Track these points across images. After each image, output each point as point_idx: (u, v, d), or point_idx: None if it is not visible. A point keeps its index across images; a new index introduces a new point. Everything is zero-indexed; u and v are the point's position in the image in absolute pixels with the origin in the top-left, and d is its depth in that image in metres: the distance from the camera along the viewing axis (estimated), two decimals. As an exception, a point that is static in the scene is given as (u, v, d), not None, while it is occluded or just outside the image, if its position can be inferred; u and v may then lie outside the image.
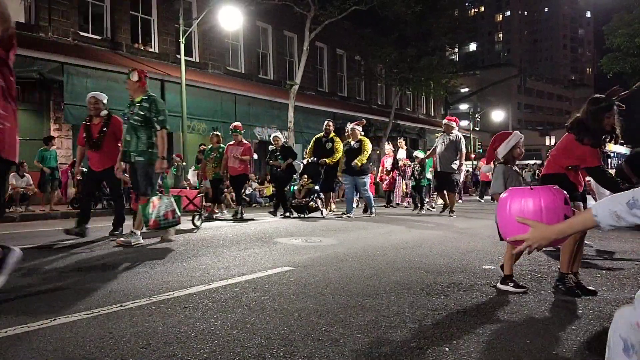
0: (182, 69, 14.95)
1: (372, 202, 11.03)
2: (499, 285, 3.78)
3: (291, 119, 18.57)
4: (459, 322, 2.94)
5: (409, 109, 33.71)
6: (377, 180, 16.42)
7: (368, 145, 10.59)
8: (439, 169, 10.91)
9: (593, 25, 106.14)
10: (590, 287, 3.67)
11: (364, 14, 20.71)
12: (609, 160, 33.15)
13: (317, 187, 10.76)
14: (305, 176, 10.85)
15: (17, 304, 3.30)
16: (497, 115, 46.92)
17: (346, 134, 11.15)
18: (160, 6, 18.08)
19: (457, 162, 10.82)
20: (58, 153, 13.06)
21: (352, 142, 10.64)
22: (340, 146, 10.81)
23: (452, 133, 10.91)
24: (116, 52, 16.37)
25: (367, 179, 10.81)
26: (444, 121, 11.37)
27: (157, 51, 18.00)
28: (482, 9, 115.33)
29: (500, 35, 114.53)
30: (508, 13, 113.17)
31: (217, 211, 10.80)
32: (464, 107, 47.31)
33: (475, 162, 29.78)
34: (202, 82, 17.24)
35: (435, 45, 25.89)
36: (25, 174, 12.06)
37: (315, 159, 10.97)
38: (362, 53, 27.49)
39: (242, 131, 10.89)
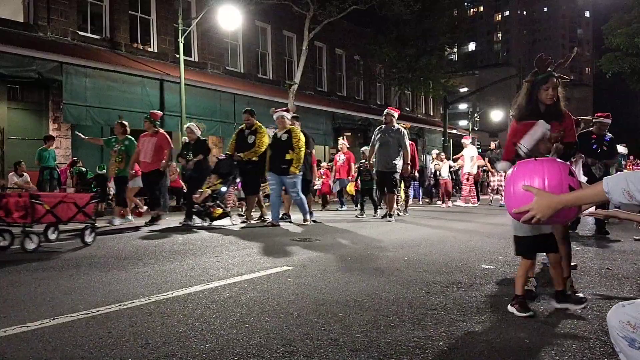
0: (181, 69, 14.93)
1: (306, 206, 8.81)
2: (508, 306, 3.21)
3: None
4: (458, 321, 2.94)
5: (408, 109, 33.68)
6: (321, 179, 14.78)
7: (300, 137, 8.50)
8: (377, 168, 9.68)
9: (592, 25, 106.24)
10: (579, 295, 3.33)
11: (363, 14, 20.70)
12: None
13: (223, 189, 8.85)
14: (215, 176, 8.94)
15: (16, 304, 3.29)
16: (496, 115, 46.87)
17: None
18: (159, 6, 18.05)
19: (400, 159, 9.50)
20: (57, 153, 13.05)
21: (279, 133, 8.57)
22: (263, 139, 8.94)
23: (393, 125, 9.59)
24: (115, 51, 16.34)
25: (298, 180, 8.61)
26: (386, 111, 9.90)
27: (156, 51, 17.97)
28: (481, 8, 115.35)
29: (499, 35, 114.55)
30: (507, 13, 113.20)
31: (120, 218, 9.01)
32: (463, 106, 47.36)
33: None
34: (201, 82, 17.22)
35: (435, 45, 25.90)
36: (24, 173, 12.05)
37: (229, 154, 9.18)
38: (361, 53, 27.48)
39: (158, 122, 9.26)
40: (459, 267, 4.64)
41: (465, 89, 47.73)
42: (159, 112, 9.55)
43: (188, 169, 9.03)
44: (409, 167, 9.93)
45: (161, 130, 9.18)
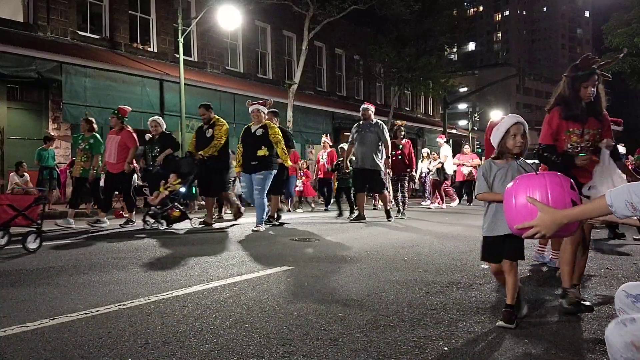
0: (180, 69, 14.93)
1: (265, 211, 7.96)
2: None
3: (290, 119, 18.54)
4: (457, 321, 2.94)
5: (407, 109, 33.70)
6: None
7: (277, 132, 7.82)
8: (358, 166, 9.11)
9: (592, 24, 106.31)
10: (586, 303, 3.20)
11: (362, 14, 20.69)
12: None
13: (182, 190, 8.07)
14: (174, 175, 8.02)
15: (16, 304, 3.29)
16: (496, 115, 46.86)
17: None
18: (159, 6, 18.05)
19: (381, 156, 9.05)
20: (56, 152, 13.03)
21: (254, 128, 7.84)
22: (222, 131, 8.26)
23: (371, 120, 9.13)
24: (115, 51, 16.34)
25: (268, 178, 7.79)
26: (363, 106, 9.37)
27: (155, 50, 17.97)
28: (481, 8, 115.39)
29: (499, 34, 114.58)
30: (507, 13, 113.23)
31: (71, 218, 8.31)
32: (462, 106, 47.32)
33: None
34: (201, 82, 17.22)
35: (434, 44, 25.89)
36: (25, 174, 12.04)
37: (190, 153, 8.48)
38: (361, 52, 27.49)
39: (126, 118, 8.68)
40: (458, 267, 4.64)
41: (465, 89, 47.74)
42: (127, 107, 8.85)
43: (158, 166, 8.26)
44: (409, 167, 9.66)
45: (128, 128, 8.60)
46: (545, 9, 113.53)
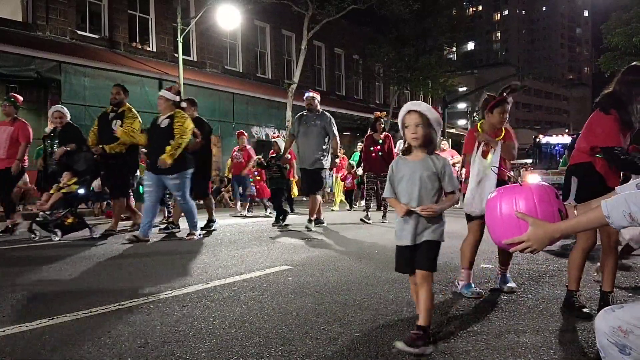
0: (179, 68, 14.93)
1: (195, 215, 6.72)
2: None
3: (289, 118, 18.53)
4: (456, 320, 2.94)
5: (407, 108, 33.74)
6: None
7: (185, 123, 6.45)
8: (300, 165, 8.01)
9: (591, 24, 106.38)
10: (585, 310, 3.12)
11: (362, 13, 20.70)
12: None
13: (80, 191, 6.63)
14: (68, 174, 6.64)
15: (15, 304, 3.29)
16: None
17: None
18: (158, 5, 18.04)
19: (327, 152, 7.81)
20: (56, 152, 13.02)
21: (160, 119, 6.56)
22: (133, 125, 7.03)
23: (317, 111, 7.93)
24: (114, 51, 16.33)
25: (184, 180, 6.50)
26: (307, 95, 8.10)
27: (154, 50, 17.96)
28: (480, 8, 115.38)
29: (498, 34, 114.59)
30: (506, 12, 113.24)
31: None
32: (462, 106, 47.32)
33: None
34: (200, 81, 17.21)
35: (434, 44, 25.91)
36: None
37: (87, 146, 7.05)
38: (360, 52, 27.48)
39: (19, 105, 7.58)
40: (457, 267, 4.63)
41: (464, 89, 47.71)
42: (17, 96, 7.61)
43: (56, 163, 6.89)
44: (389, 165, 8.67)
45: (21, 119, 7.47)
46: (544, 8, 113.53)
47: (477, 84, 48.21)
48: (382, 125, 9.54)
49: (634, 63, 3.26)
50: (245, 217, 10.57)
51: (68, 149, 6.79)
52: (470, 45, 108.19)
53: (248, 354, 2.38)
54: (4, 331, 2.69)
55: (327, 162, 7.83)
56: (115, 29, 16.65)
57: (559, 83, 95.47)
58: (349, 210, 12.84)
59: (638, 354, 1.43)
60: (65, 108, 7.33)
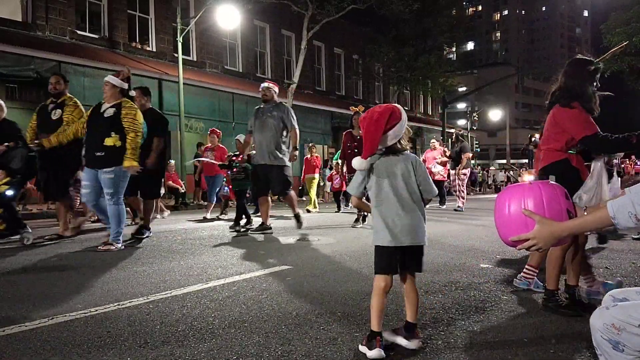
0: (179, 68, 14.93)
1: (122, 220, 5.83)
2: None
3: (289, 118, 18.57)
4: (456, 320, 2.94)
5: (406, 108, 33.72)
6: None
7: (136, 115, 5.86)
8: (257, 161, 7.16)
9: (590, 24, 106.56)
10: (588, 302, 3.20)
11: (361, 13, 20.73)
12: None
13: (9, 193, 5.89)
14: (1, 172, 5.89)
15: (14, 303, 3.29)
16: (495, 115, 47.01)
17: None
18: (157, 5, 18.06)
19: (287, 147, 7.11)
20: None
21: (103, 107, 5.89)
22: (74, 114, 6.34)
23: (274, 102, 7.24)
24: (114, 51, 16.34)
25: (122, 178, 5.75)
26: (263, 85, 7.37)
27: (154, 50, 17.97)
28: (480, 8, 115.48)
29: (498, 34, 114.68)
30: (506, 12, 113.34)
31: None
32: (461, 106, 47.43)
33: (473, 162, 29.69)
34: (200, 81, 17.23)
35: (433, 44, 25.97)
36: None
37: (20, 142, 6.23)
38: (360, 52, 27.50)
39: None
40: (457, 267, 4.64)
41: (464, 88, 47.76)
42: None
43: None
44: (296, 155, 7.43)
45: None
46: (544, 8, 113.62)
47: (476, 83, 48.25)
48: (357, 120, 8.45)
49: (576, 56, 3.39)
50: (205, 218, 9.80)
51: (5, 145, 5.96)
52: (470, 45, 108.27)
53: (247, 354, 2.38)
54: (3, 331, 2.69)
55: (287, 157, 7.13)
56: (115, 29, 16.65)
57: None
58: (336, 212, 12.11)
59: (631, 351, 1.45)
60: (2, 103, 6.44)
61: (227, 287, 3.78)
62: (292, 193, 7.33)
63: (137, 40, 17.57)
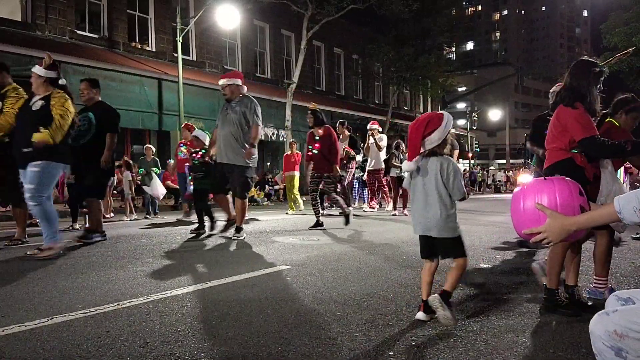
0: (179, 68, 14.93)
1: (53, 223, 5.16)
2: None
3: (289, 118, 18.58)
4: (456, 320, 2.94)
5: (406, 108, 33.74)
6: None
7: (66, 105, 5.36)
8: (219, 160, 6.64)
9: (590, 24, 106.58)
10: (589, 303, 3.22)
11: (361, 13, 20.74)
12: None
13: None
14: None
15: (14, 303, 3.29)
16: (494, 114, 47.04)
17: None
18: (157, 5, 18.05)
19: (249, 146, 6.41)
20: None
21: (33, 100, 5.37)
22: (16, 106, 5.75)
23: (239, 95, 6.66)
24: (113, 50, 16.33)
25: (48, 173, 5.16)
26: (220, 82, 6.75)
27: (154, 50, 17.96)
28: (480, 8, 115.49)
29: (498, 34, 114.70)
30: (505, 12, 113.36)
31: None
32: (461, 105, 47.45)
33: (473, 161, 29.72)
34: (199, 81, 17.22)
35: (433, 44, 25.97)
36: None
37: None
38: (360, 52, 27.50)
39: None
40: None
41: (464, 88, 47.81)
42: None
43: None
44: (333, 163, 7.28)
45: None
46: (543, 8, 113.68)
47: (476, 83, 48.27)
48: (312, 118, 8.23)
49: (581, 58, 3.46)
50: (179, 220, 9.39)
51: None
52: (470, 45, 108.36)
53: (247, 354, 2.38)
54: (3, 331, 2.69)
55: (252, 160, 6.52)
56: (115, 28, 16.65)
57: (558, 83, 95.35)
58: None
59: (633, 357, 1.43)
60: None
61: (227, 287, 3.78)
62: (246, 202, 6.73)
63: (137, 40, 17.57)
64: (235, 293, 3.58)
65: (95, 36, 16.23)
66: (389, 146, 12.49)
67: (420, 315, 2.91)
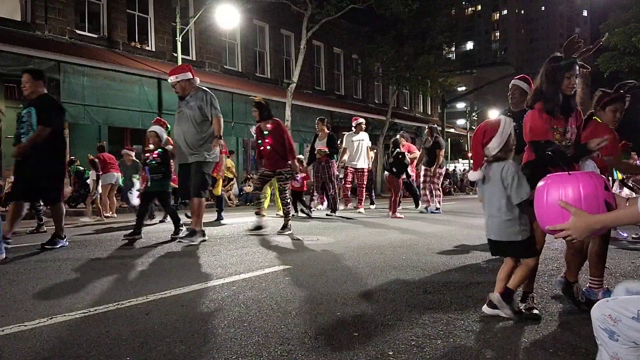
0: (179, 68, 14.90)
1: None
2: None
3: (288, 118, 18.53)
4: (456, 320, 2.94)
5: (406, 108, 33.73)
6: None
7: None
8: (178, 160, 6.46)
9: (590, 24, 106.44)
10: (535, 312, 3.05)
11: (361, 13, 20.72)
12: None
13: None
14: None
15: (14, 303, 3.29)
16: (494, 114, 47.04)
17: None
18: (157, 4, 18.03)
19: (210, 142, 6.10)
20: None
21: None
22: None
23: (192, 92, 6.46)
24: (113, 50, 16.31)
25: None
26: (169, 80, 6.65)
27: (153, 49, 17.94)
28: (479, 7, 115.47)
29: (497, 34, 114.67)
30: (505, 12, 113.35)
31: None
32: (460, 105, 47.39)
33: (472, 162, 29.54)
34: (199, 81, 17.21)
35: (432, 44, 25.91)
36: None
37: None
38: (359, 52, 27.49)
39: None
40: (456, 266, 4.65)
41: (463, 88, 47.78)
42: None
43: None
44: (286, 159, 6.99)
45: None
46: (543, 8, 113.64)
47: (476, 83, 48.21)
48: (257, 111, 7.43)
49: (554, 54, 3.34)
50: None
51: None
52: (469, 45, 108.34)
53: (247, 354, 2.38)
54: (2, 331, 2.69)
55: (212, 155, 6.15)
56: (114, 28, 16.63)
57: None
58: (294, 214, 9.74)
59: (625, 341, 1.54)
60: None
61: (227, 286, 3.79)
62: (202, 201, 6.18)
63: (136, 40, 17.54)
64: (234, 293, 3.58)
65: (95, 36, 16.21)
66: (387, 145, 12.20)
67: (483, 308, 3.07)
